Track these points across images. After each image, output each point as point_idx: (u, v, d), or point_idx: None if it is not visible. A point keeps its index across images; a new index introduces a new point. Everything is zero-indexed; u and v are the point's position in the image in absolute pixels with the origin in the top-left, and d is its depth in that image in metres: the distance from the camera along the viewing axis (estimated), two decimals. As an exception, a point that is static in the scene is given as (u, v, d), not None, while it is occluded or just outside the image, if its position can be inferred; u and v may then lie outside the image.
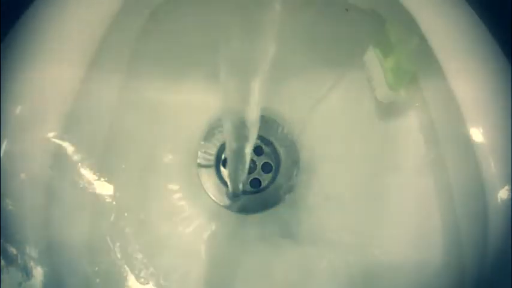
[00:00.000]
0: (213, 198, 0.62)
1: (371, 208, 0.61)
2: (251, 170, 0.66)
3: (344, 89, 0.68)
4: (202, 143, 0.64)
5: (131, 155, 0.55)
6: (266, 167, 0.67)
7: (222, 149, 0.65)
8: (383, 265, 0.54)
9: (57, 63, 0.34)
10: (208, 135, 0.65)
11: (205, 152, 0.64)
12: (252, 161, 0.66)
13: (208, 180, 0.64)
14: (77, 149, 0.41)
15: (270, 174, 0.67)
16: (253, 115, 0.38)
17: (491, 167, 0.34)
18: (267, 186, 0.66)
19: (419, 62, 0.51)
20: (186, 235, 0.58)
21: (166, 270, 0.51)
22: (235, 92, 0.33)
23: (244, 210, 0.63)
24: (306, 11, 0.61)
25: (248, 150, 0.44)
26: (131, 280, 0.47)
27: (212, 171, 0.64)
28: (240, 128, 0.39)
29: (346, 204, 0.64)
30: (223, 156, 0.65)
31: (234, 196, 0.61)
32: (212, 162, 0.64)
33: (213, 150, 0.65)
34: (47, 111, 0.33)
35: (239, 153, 0.44)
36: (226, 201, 0.63)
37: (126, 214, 0.52)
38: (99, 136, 0.47)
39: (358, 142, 0.66)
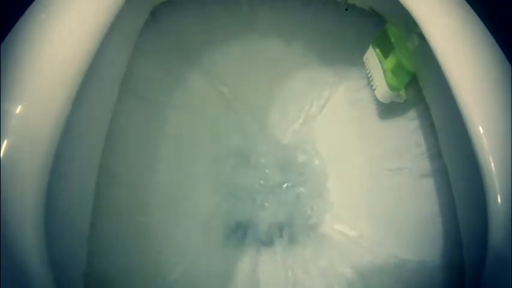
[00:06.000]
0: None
1: (371, 208, 0.61)
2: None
3: (344, 89, 0.68)
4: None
5: (132, 155, 0.55)
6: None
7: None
8: (383, 265, 0.54)
9: (57, 63, 0.34)
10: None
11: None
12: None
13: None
14: (78, 148, 0.41)
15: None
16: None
17: (491, 167, 0.34)
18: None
19: (419, 62, 0.51)
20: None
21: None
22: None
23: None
24: (306, 12, 0.61)
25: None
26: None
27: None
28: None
29: (347, 205, 0.64)
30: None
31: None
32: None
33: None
34: (46, 112, 0.33)
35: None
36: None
37: (125, 215, 0.52)
38: (99, 134, 0.47)
39: (358, 142, 0.66)
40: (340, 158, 0.67)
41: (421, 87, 0.53)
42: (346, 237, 0.60)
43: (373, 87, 0.57)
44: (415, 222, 0.54)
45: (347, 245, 0.59)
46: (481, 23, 0.41)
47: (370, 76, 0.57)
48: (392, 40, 0.52)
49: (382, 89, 0.55)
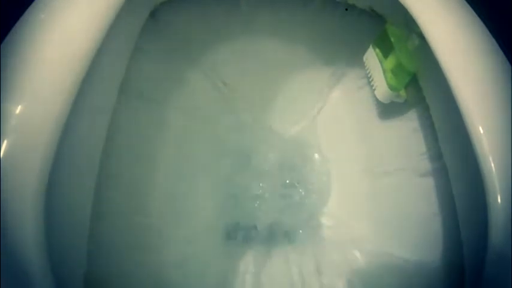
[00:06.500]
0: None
1: (371, 208, 0.61)
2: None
3: (344, 89, 0.68)
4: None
5: (132, 155, 0.55)
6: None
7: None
8: (383, 264, 0.54)
9: (57, 63, 0.34)
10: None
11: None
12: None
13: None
14: (77, 149, 0.41)
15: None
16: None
17: (491, 167, 0.34)
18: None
19: (419, 62, 0.51)
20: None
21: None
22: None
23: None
24: (306, 11, 0.61)
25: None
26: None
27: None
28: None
29: (347, 205, 0.64)
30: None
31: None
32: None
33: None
34: (47, 111, 0.33)
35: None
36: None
37: (125, 215, 0.52)
38: (99, 134, 0.47)
39: (358, 142, 0.66)
40: (340, 158, 0.67)
41: (421, 87, 0.53)
42: (346, 237, 0.60)
43: (373, 87, 0.57)
44: (415, 222, 0.54)
45: (347, 244, 0.59)
46: (481, 23, 0.41)
47: (370, 76, 0.57)
48: (392, 40, 0.52)
49: (382, 89, 0.55)
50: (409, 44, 0.51)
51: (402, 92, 0.55)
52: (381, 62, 0.55)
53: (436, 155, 0.51)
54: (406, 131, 0.57)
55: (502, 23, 0.47)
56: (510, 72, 0.38)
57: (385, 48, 0.54)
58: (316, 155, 0.69)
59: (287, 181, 0.67)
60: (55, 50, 0.35)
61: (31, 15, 0.37)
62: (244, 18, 0.62)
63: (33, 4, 0.38)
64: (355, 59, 0.61)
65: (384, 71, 0.54)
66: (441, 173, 0.50)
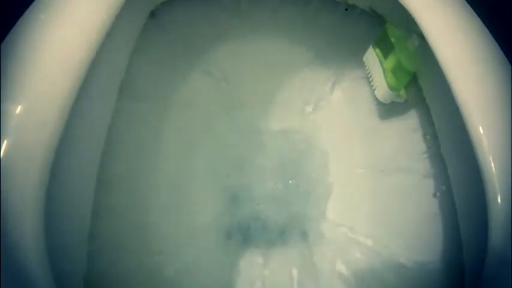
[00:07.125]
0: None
1: (371, 208, 0.61)
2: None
3: (344, 89, 0.68)
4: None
5: (132, 155, 0.55)
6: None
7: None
8: (383, 265, 0.54)
9: (57, 63, 0.34)
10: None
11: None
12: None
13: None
14: (78, 149, 0.41)
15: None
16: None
17: (491, 167, 0.34)
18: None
19: (419, 62, 0.51)
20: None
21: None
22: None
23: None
24: (306, 11, 0.61)
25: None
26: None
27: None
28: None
29: (347, 204, 0.64)
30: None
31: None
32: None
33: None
34: (47, 111, 0.33)
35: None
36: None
37: (125, 215, 0.52)
38: (99, 134, 0.47)
39: (358, 142, 0.66)
40: (340, 158, 0.67)
41: (421, 87, 0.53)
42: (346, 237, 0.60)
43: (373, 88, 0.57)
44: (415, 222, 0.54)
45: (347, 244, 0.59)
46: (481, 23, 0.41)
47: (370, 76, 0.57)
48: (392, 40, 0.52)
49: (382, 89, 0.55)
50: (409, 44, 0.51)
51: (402, 92, 0.55)
52: (381, 62, 0.55)
53: (436, 155, 0.51)
54: (406, 131, 0.57)
55: (502, 23, 0.47)
56: (510, 72, 0.38)
57: (385, 48, 0.54)
58: (317, 155, 0.69)
59: (288, 181, 0.67)
60: (55, 50, 0.35)
61: (31, 15, 0.37)
62: (245, 18, 0.62)
63: (33, 4, 0.37)
64: (355, 59, 0.61)
65: (384, 71, 0.54)
66: (441, 173, 0.50)
